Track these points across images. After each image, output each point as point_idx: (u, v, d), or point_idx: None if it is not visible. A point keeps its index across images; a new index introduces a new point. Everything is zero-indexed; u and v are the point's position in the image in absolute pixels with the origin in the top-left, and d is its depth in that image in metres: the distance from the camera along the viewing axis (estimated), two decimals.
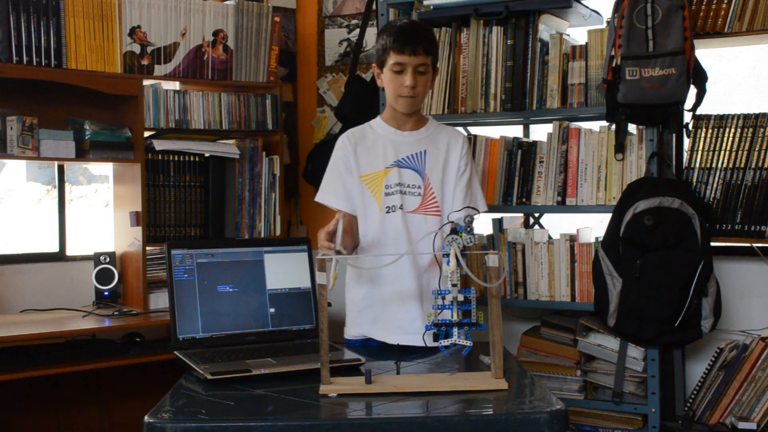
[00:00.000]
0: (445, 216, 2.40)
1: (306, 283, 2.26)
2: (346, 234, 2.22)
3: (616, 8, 2.71)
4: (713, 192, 2.80)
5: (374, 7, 3.47)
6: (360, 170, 2.44)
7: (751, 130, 2.77)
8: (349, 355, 2.09)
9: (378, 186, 2.41)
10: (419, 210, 2.41)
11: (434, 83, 2.48)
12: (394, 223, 2.39)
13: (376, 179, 2.42)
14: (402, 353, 2.07)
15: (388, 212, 2.40)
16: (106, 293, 3.26)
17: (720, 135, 2.81)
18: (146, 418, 1.62)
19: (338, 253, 2.11)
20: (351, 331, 2.48)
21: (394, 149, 2.43)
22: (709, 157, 2.82)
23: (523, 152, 3.06)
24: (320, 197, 2.49)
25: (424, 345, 2.21)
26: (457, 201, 2.43)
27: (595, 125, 2.98)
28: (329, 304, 3.02)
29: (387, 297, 2.40)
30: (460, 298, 1.82)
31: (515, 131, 3.40)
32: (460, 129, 3.31)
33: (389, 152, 2.43)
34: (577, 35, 3.13)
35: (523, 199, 3.05)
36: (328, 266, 1.86)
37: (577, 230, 3.01)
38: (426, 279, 2.41)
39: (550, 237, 3.05)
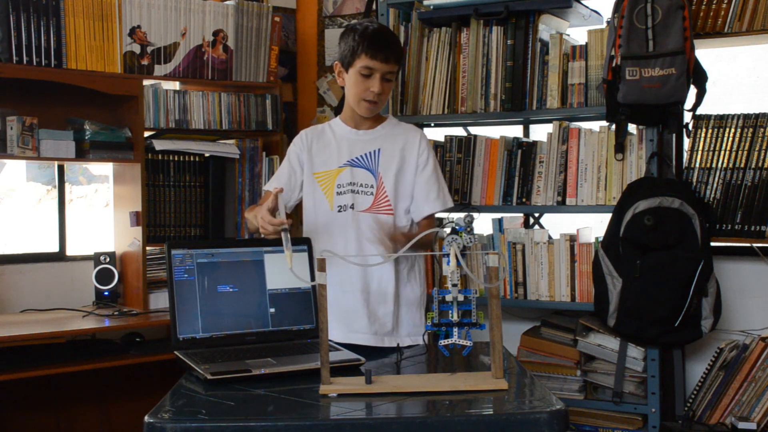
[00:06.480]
0: (400, 213, 2.42)
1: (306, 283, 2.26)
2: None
3: (616, 8, 2.71)
4: (713, 192, 2.80)
5: (374, 7, 3.46)
6: (314, 167, 2.46)
7: (751, 130, 2.77)
8: (349, 355, 2.09)
9: (330, 185, 2.43)
10: (371, 209, 2.41)
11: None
12: (345, 222, 2.41)
13: (329, 178, 2.44)
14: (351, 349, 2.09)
15: (339, 211, 2.41)
16: (106, 293, 3.26)
17: (720, 135, 2.81)
18: (146, 418, 1.61)
19: (285, 230, 2.06)
20: None
21: (348, 148, 2.45)
22: (709, 157, 2.82)
23: (523, 152, 3.06)
24: (267, 185, 2.55)
25: (416, 344, 2.21)
26: (421, 194, 2.43)
27: (595, 125, 2.98)
28: None
29: (331, 292, 2.39)
30: (460, 298, 1.82)
31: (515, 131, 3.40)
32: (460, 129, 3.32)
33: (343, 151, 2.45)
34: (577, 35, 3.13)
35: (523, 199, 3.05)
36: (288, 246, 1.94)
37: (577, 230, 3.01)
38: (376, 278, 2.40)
39: (550, 237, 3.05)
